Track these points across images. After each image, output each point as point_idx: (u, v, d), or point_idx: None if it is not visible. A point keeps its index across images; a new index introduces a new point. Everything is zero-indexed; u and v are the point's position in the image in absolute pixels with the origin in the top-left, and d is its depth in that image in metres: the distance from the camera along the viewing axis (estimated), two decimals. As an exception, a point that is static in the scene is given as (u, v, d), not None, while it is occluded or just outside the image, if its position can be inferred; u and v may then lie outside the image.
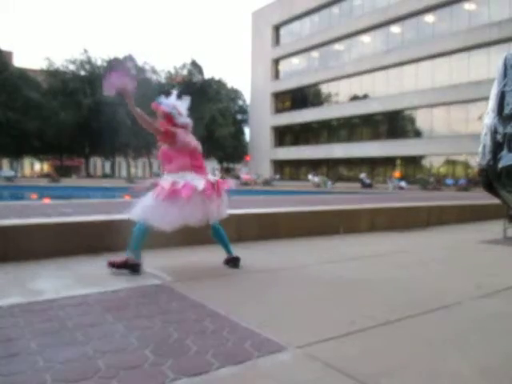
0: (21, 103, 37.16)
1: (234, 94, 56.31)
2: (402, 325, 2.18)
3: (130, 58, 39.60)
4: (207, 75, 48.07)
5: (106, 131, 35.76)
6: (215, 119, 44.75)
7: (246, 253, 3.83)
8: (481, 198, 8.42)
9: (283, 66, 45.47)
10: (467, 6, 29.80)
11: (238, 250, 3.49)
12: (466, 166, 29.90)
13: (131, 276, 3.06)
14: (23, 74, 39.94)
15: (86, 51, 43.04)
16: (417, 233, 5.91)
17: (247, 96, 51.67)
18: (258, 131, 47.13)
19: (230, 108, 52.06)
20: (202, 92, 43.50)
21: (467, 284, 3.05)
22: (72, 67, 42.58)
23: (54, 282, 2.89)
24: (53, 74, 41.88)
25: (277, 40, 45.69)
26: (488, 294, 2.79)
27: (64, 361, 1.68)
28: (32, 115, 37.69)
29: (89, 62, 43.06)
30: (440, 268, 3.64)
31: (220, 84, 51.26)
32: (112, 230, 3.91)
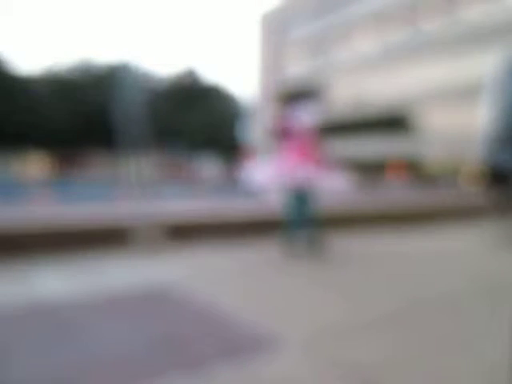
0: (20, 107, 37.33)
1: (233, 98, 57.00)
2: (408, 321, 2.20)
3: (126, 67, 39.58)
4: (210, 77, 48.90)
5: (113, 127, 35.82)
6: (214, 122, 45.36)
7: (245, 249, 3.88)
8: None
9: (287, 67, 45.74)
10: (466, 7, 29.84)
11: (240, 248, 3.51)
12: (466, 165, 29.88)
13: (136, 273, 3.10)
14: (22, 80, 40.17)
15: (87, 60, 43.33)
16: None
17: (250, 97, 52.44)
18: (261, 131, 47.53)
19: (229, 111, 52.60)
20: (202, 97, 44.08)
21: (469, 282, 3.08)
22: (73, 74, 42.77)
23: (57, 279, 2.93)
24: (54, 79, 42.10)
25: (281, 41, 46.07)
26: (488, 292, 2.82)
27: (64, 357, 1.70)
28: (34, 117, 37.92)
29: (89, 69, 43.19)
30: (440, 267, 3.66)
31: (219, 89, 52.00)
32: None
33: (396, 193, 13.35)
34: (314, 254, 3.92)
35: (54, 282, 2.91)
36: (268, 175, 3.95)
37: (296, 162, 3.85)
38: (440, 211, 7.27)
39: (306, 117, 4.00)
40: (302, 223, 3.93)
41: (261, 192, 4.03)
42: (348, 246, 4.56)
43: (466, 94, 28.44)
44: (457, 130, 29.78)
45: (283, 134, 3.91)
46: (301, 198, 3.90)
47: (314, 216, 3.97)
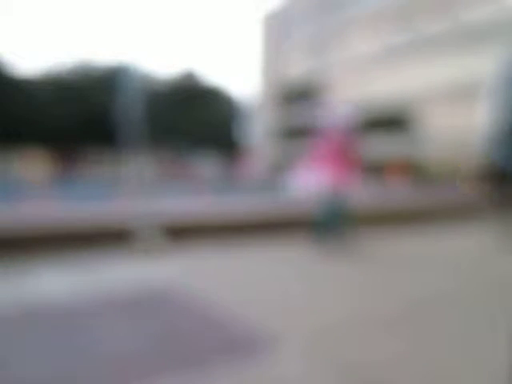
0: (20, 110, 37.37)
1: (232, 99, 57.31)
2: (405, 320, 2.21)
3: (126, 68, 39.75)
4: (210, 79, 49.25)
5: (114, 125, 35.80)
6: (214, 122, 45.70)
7: (246, 249, 3.88)
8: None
9: (288, 68, 45.79)
10: (466, 7, 29.84)
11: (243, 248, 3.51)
12: (466, 165, 29.84)
13: (136, 273, 3.11)
14: (22, 81, 40.23)
15: (88, 61, 43.47)
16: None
17: (251, 97, 52.69)
18: (262, 131, 47.55)
19: (228, 112, 52.97)
20: (202, 98, 44.43)
21: (467, 283, 3.09)
22: (74, 75, 42.87)
23: (58, 279, 2.93)
24: (54, 80, 42.19)
25: (282, 42, 46.16)
26: (490, 291, 2.82)
27: (65, 356, 1.72)
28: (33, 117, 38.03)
29: (89, 71, 43.27)
30: (442, 267, 3.68)
31: (218, 90, 52.42)
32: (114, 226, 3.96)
33: (399, 194, 13.36)
34: (336, 252, 4.03)
35: (54, 281, 2.91)
36: (308, 183, 4.12)
37: (331, 170, 3.98)
38: (441, 211, 7.28)
39: (341, 118, 4.03)
40: (332, 223, 4.06)
41: (301, 196, 4.18)
42: (363, 244, 4.57)
43: (466, 93, 28.46)
44: (457, 129, 29.76)
45: (319, 137, 4.01)
46: (334, 201, 4.04)
47: (344, 216, 4.11)
